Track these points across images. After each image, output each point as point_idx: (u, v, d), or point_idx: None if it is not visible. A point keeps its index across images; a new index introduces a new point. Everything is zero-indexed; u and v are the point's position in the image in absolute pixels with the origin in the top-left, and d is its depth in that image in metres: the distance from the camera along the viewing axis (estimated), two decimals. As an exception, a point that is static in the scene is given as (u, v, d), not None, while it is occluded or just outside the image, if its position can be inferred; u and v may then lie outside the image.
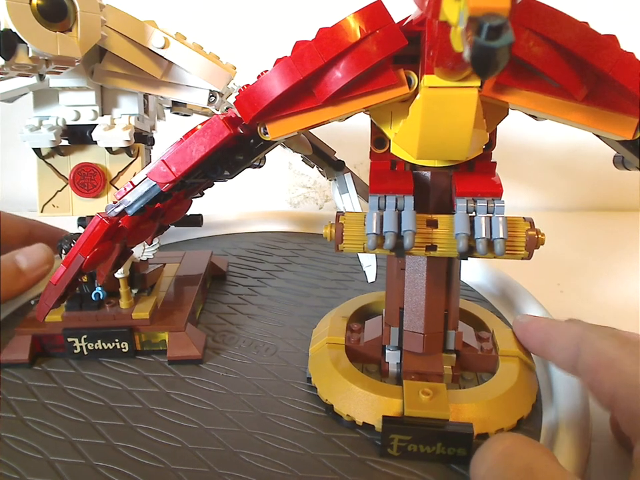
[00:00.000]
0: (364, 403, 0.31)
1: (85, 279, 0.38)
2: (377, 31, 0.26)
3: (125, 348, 0.38)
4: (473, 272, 0.49)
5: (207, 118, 0.53)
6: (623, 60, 0.24)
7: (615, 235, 0.63)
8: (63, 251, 0.37)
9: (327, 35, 0.26)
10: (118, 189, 0.38)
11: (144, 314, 0.38)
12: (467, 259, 0.31)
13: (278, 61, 0.27)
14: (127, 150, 0.37)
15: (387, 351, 0.35)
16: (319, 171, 0.40)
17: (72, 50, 0.29)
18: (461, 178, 0.31)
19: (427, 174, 0.32)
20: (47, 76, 0.35)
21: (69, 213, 0.38)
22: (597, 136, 0.31)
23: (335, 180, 0.37)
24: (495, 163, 0.32)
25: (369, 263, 0.37)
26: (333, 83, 0.26)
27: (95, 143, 0.36)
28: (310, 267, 0.53)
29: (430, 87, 0.25)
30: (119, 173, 0.38)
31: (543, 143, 0.63)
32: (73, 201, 0.38)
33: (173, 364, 0.38)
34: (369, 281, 0.38)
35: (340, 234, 0.31)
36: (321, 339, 0.37)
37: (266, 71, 0.27)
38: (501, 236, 0.28)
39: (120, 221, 0.31)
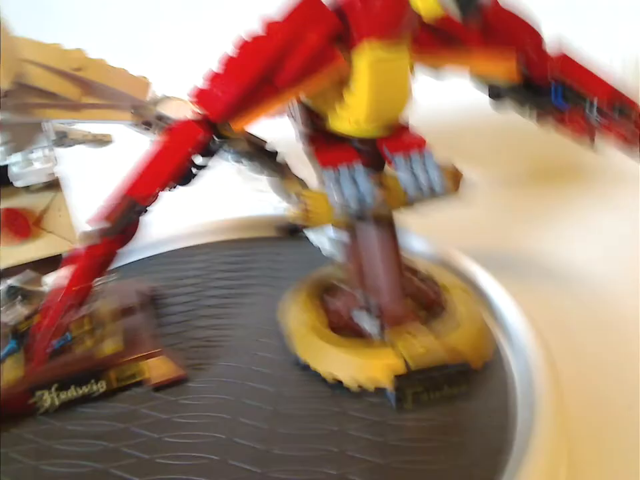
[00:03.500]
0: (370, 369, 0.33)
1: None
2: (316, 20, 0.28)
3: (101, 388, 0.35)
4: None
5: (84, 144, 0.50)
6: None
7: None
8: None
9: (277, 28, 0.28)
10: (45, 230, 0.35)
11: (117, 346, 0.36)
12: (413, 206, 0.35)
13: (229, 59, 0.28)
14: (46, 185, 0.34)
15: (360, 316, 0.37)
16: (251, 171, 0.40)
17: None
18: (389, 140, 0.34)
19: (357, 143, 0.36)
20: None
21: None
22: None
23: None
24: (408, 124, 0.37)
25: (320, 240, 0.39)
26: (288, 70, 0.28)
27: (5, 183, 0.33)
28: (239, 268, 0.53)
29: (375, 60, 0.29)
30: (42, 211, 0.35)
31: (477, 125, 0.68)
32: (-2, 250, 0.34)
33: (159, 390, 0.36)
34: (325, 253, 0.40)
35: (307, 212, 0.33)
36: (297, 323, 0.38)
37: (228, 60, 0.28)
38: (437, 177, 0.33)
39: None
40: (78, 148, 0.49)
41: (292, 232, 0.47)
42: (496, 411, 0.32)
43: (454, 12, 0.22)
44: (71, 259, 0.28)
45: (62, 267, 0.29)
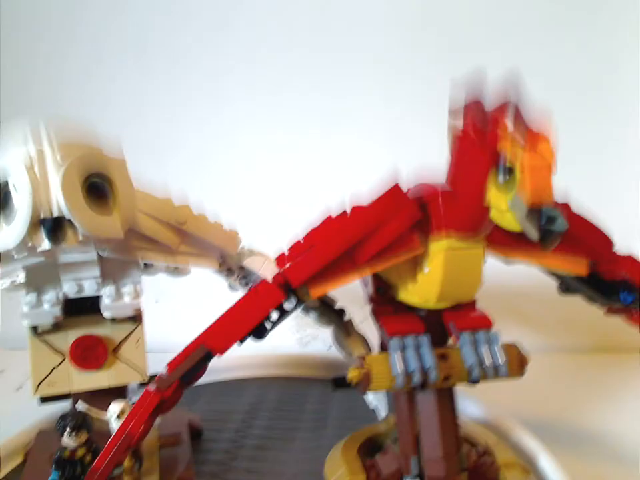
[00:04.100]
0: None
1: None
2: (399, 209, 0.32)
3: (135, 535, 0.34)
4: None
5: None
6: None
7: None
8: (69, 430, 0.34)
9: (362, 213, 0.31)
10: (121, 358, 0.38)
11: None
12: (475, 384, 0.35)
13: (313, 232, 0.31)
14: (130, 317, 0.37)
15: None
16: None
17: (116, 231, 0.30)
18: (456, 315, 0.36)
19: (422, 312, 0.37)
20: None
21: (67, 389, 0.36)
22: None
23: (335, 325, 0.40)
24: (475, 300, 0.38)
25: (376, 401, 0.40)
26: (368, 250, 0.31)
27: (95, 312, 0.36)
28: (289, 406, 0.53)
29: (450, 249, 0.31)
30: (122, 341, 0.37)
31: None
32: (72, 375, 0.36)
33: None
34: (381, 416, 0.40)
35: (368, 376, 0.34)
36: None
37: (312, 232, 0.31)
38: (502, 361, 0.33)
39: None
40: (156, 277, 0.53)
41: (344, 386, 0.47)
42: None
43: (534, 237, 0.23)
44: (141, 399, 0.29)
45: (131, 404, 0.30)
